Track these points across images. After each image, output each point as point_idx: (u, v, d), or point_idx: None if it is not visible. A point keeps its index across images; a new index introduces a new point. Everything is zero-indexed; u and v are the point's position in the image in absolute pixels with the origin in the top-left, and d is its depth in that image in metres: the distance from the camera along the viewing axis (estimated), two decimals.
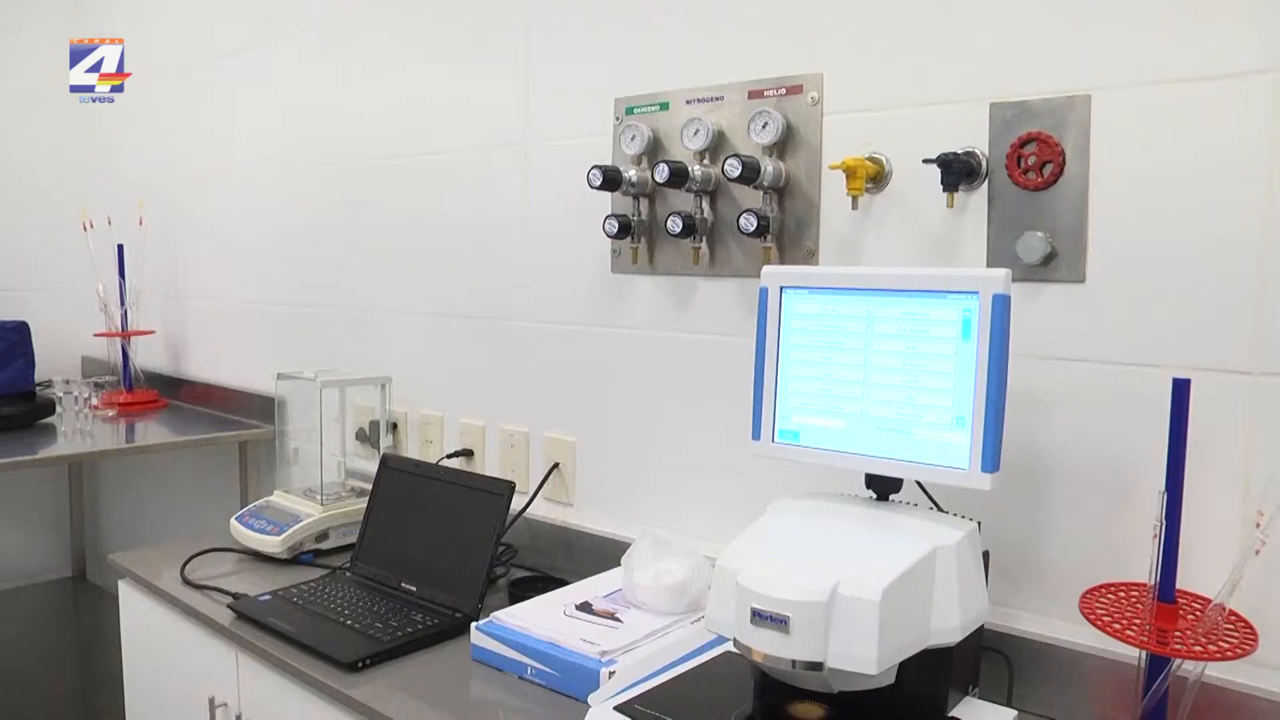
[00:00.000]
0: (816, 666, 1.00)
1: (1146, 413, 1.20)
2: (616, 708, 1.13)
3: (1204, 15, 1.16)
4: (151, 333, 3.06)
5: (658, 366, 1.72)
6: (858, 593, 0.99)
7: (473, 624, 1.48)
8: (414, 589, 1.72)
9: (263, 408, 2.63)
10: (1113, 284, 1.24)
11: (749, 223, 1.46)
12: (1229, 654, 1.04)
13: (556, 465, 1.89)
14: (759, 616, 1.01)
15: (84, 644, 3.07)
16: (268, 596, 1.71)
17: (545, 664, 1.37)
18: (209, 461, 2.83)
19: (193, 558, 1.93)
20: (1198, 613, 1.12)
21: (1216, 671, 1.15)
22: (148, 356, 3.13)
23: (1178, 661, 1.09)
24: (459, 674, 1.45)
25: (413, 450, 2.21)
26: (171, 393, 3.08)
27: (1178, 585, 1.12)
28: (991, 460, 1.06)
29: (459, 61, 2.05)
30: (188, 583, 1.83)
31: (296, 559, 1.96)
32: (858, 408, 1.15)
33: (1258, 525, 1.07)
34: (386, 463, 1.90)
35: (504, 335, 1.99)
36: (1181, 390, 1.08)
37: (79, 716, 2.80)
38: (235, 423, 2.75)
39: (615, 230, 1.66)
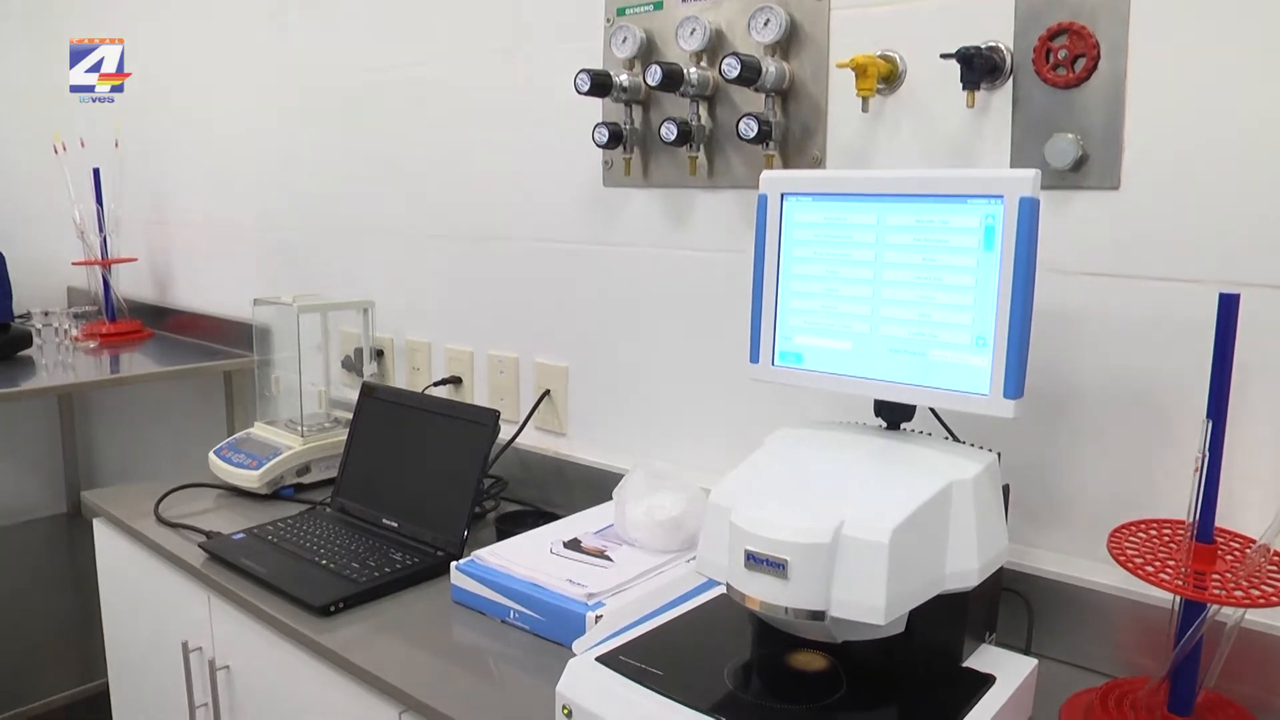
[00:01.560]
0: (818, 616, 0.90)
1: (1187, 333, 1.08)
2: (599, 658, 1.03)
3: None
4: (134, 260, 2.94)
5: (654, 286, 1.61)
6: (864, 534, 0.88)
7: (452, 564, 1.38)
8: (395, 525, 1.62)
9: (249, 336, 2.52)
10: (1151, 191, 1.11)
11: (749, 128, 1.33)
12: (1274, 599, 0.93)
13: (548, 392, 1.78)
14: (754, 560, 0.91)
15: (79, 581, 3.00)
16: (241, 535, 1.62)
17: (528, 607, 1.27)
18: (200, 393, 2.73)
19: (167, 494, 1.84)
20: (1238, 554, 1.01)
21: (1258, 617, 1.04)
22: (132, 286, 3.02)
23: (1215, 607, 0.98)
24: (438, 618, 1.36)
25: (400, 378, 2.11)
26: (157, 323, 2.98)
27: (1217, 523, 1.01)
28: (1015, 385, 0.95)
29: None
30: (161, 521, 1.74)
31: (277, 494, 1.87)
32: (866, 327, 1.04)
33: None
34: (367, 392, 1.80)
35: (493, 256, 1.87)
36: (1229, 306, 0.96)
37: (76, 655, 2.75)
38: (222, 352, 2.65)
39: (605, 140, 1.53)
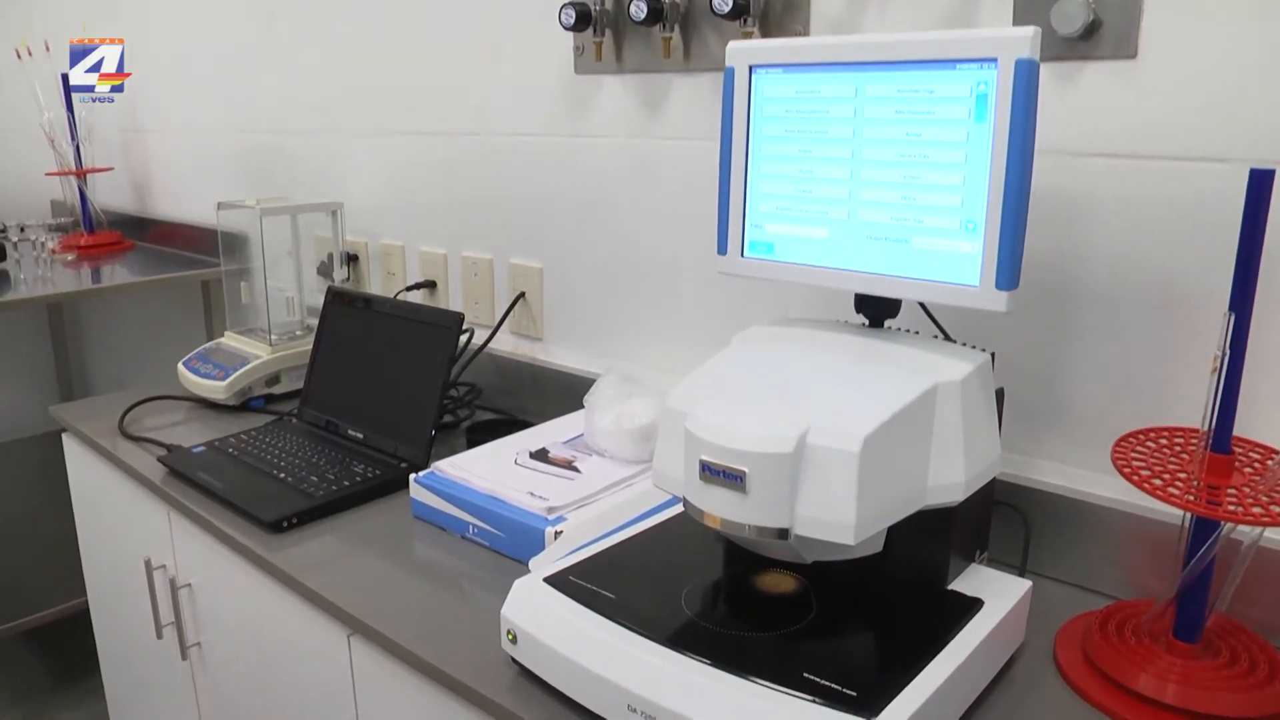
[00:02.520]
0: (781, 534, 0.80)
1: (1211, 220, 0.97)
2: (547, 579, 0.94)
3: None
4: (110, 170, 2.83)
5: (629, 178, 1.49)
6: (832, 442, 0.78)
7: (411, 477, 1.29)
8: (360, 436, 1.54)
9: (231, 244, 2.42)
10: (1172, 60, 0.98)
11: (724, 2, 1.20)
12: None
13: (522, 295, 1.68)
14: (710, 471, 0.81)
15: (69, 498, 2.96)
16: (201, 448, 1.54)
17: (487, 521, 1.19)
18: (182, 304, 2.64)
19: (133, 407, 1.76)
20: (1259, 466, 0.91)
21: (1277, 535, 0.94)
22: (112, 197, 2.92)
23: (1229, 525, 0.88)
24: (396, 533, 1.27)
25: (375, 284, 2.01)
26: (139, 234, 2.88)
27: (1236, 432, 0.90)
28: (1009, 275, 0.84)
29: None
30: (125, 435, 1.66)
31: (246, 405, 1.78)
32: (844, 213, 0.92)
33: None
34: (332, 297, 1.70)
35: (464, 153, 1.75)
36: (1261, 184, 0.84)
37: (64, 572, 2.71)
38: (202, 262, 2.55)
39: (572, 21, 1.40)
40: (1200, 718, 0.86)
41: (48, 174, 2.76)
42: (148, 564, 1.56)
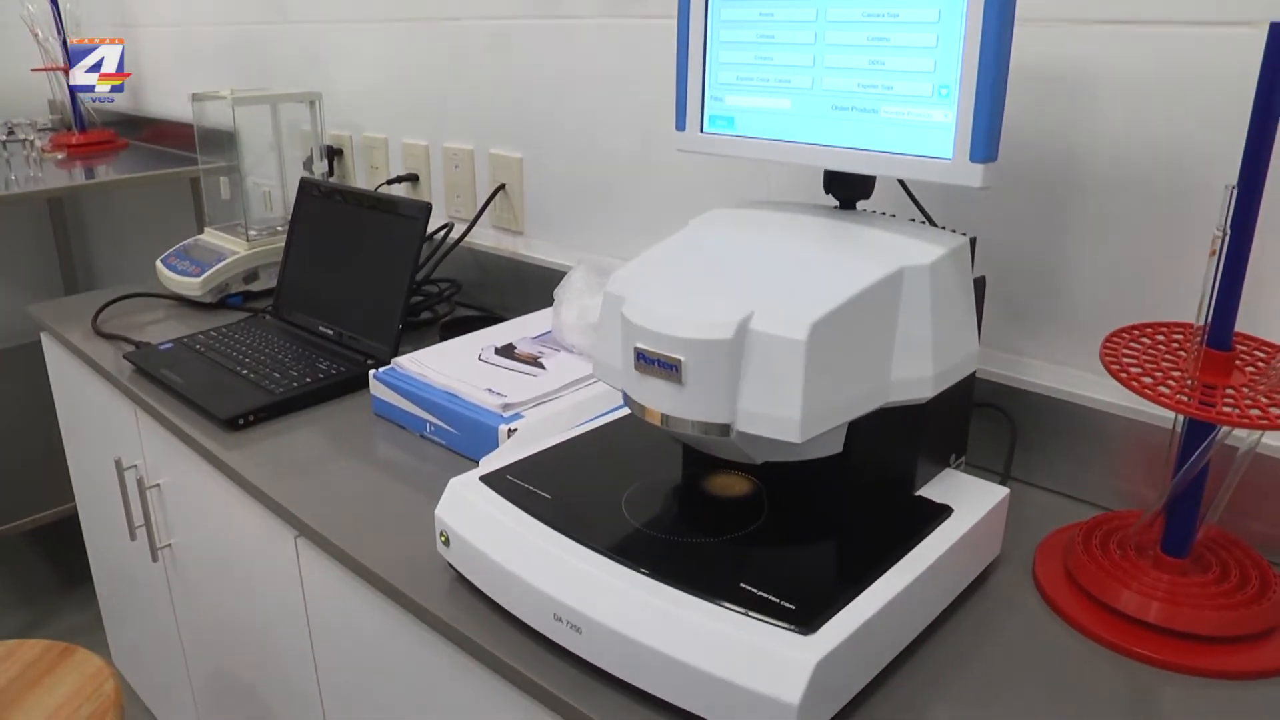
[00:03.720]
0: (723, 430, 0.73)
1: (1229, 97, 0.86)
2: (483, 477, 0.88)
3: None
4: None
5: (609, 62, 1.39)
6: (777, 329, 0.70)
7: (371, 373, 1.23)
8: (331, 333, 1.47)
9: (218, 141, 2.35)
10: None
11: None
12: None
13: (502, 187, 1.60)
14: (645, 360, 0.74)
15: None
16: (169, 345, 1.49)
17: (443, 419, 1.13)
18: (177, 202, 2.58)
19: (107, 305, 1.71)
20: (1260, 365, 0.82)
21: (1277, 440, 0.86)
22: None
23: (1224, 428, 0.80)
24: (355, 432, 1.22)
25: (360, 178, 1.93)
26: (133, 133, 2.81)
27: (1239, 328, 0.81)
28: (985, 146, 0.74)
29: None
30: (99, 333, 1.61)
31: (223, 302, 1.73)
32: (807, 81, 0.83)
33: None
34: (304, 189, 1.62)
35: (444, 38, 1.66)
36: None
37: (57, 476, 2.70)
38: (193, 160, 2.48)
39: None
40: (1184, 637, 0.79)
41: (33, 70, 2.68)
42: (118, 464, 1.52)
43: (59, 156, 2.63)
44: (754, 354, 0.71)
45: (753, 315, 0.71)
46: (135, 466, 1.51)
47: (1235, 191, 0.74)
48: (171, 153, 2.64)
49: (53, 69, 2.65)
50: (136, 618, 1.83)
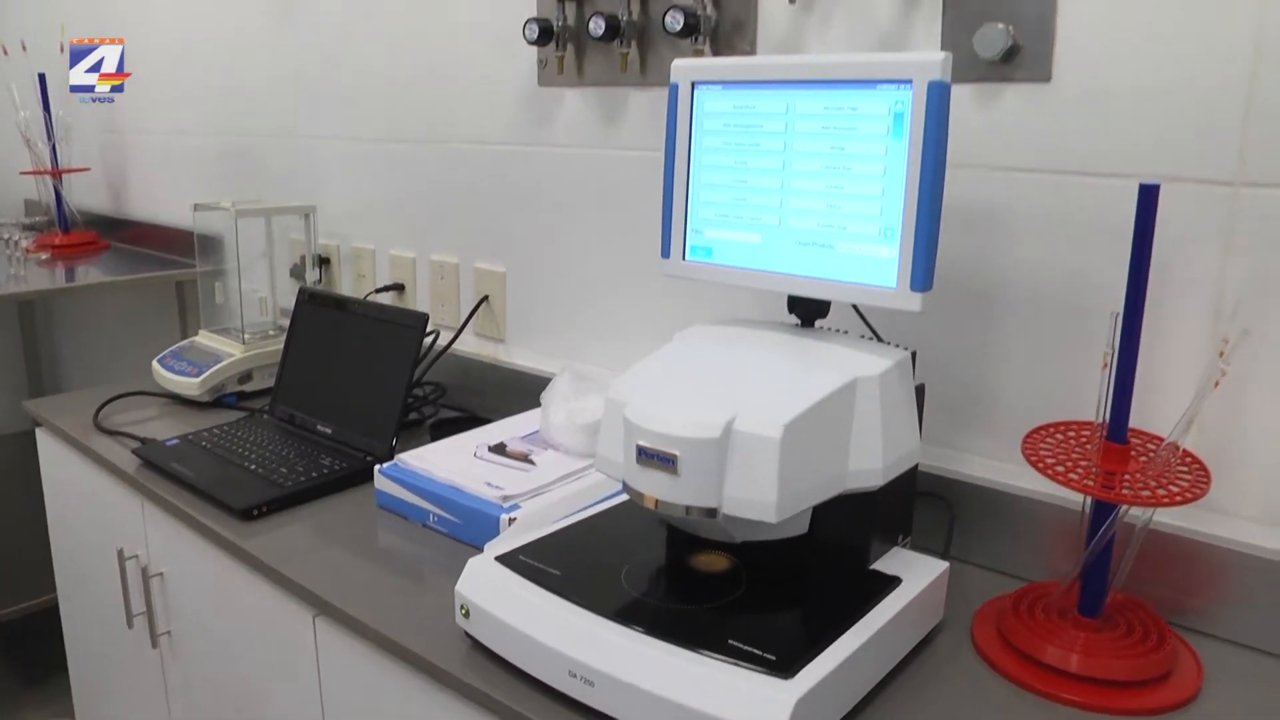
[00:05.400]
0: (711, 513, 0.87)
1: (1113, 231, 1.05)
2: (498, 558, 1.01)
3: None
4: (86, 170, 2.88)
5: (588, 187, 1.57)
6: (757, 428, 0.85)
7: (376, 467, 1.36)
8: (329, 431, 1.60)
9: (206, 246, 2.48)
10: (1082, 83, 1.07)
11: (675, 20, 1.28)
12: (1176, 499, 0.91)
13: (486, 298, 1.75)
14: (645, 455, 0.88)
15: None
16: (175, 441, 1.60)
17: (446, 509, 1.26)
18: (157, 304, 2.68)
19: (108, 403, 1.82)
20: (1150, 454, 0.99)
21: (1167, 517, 1.03)
22: (88, 197, 2.97)
23: (1124, 507, 0.96)
24: (361, 522, 1.34)
25: (346, 285, 2.07)
26: (114, 234, 2.93)
27: (1136, 424, 0.99)
28: (922, 277, 0.91)
29: None
30: (100, 429, 1.72)
31: (219, 402, 1.84)
32: (776, 219, 1.00)
33: (1221, 354, 0.93)
34: (304, 297, 1.76)
35: (433, 159, 1.82)
36: (1149, 196, 0.92)
37: (34, 568, 2.74)
38: (177, 263, 2.61)
39: (536, 35, 1.48)
40: (1099, 683, 0.94)
41: (22, 173, 2.81)
42: (120, 554, 1.61)
43: (42, 257, 2.74)
44: (737, 449, 0.86)
45: (736, 417, 0.86)
46: (137, 556, 1.61)
47: (1118, 318, 0.92)
48: (151, 254, 2.75)
49: (41, 173, 2.77)
50: (119, 708, 1.89)
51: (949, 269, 1.15)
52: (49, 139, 2.74)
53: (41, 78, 2.73)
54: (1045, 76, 1.09)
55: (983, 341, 1.18)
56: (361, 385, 1.59)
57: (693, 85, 1.04)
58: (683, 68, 1.05)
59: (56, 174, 2.78)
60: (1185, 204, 1.01)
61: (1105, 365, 0.95)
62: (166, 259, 2.67)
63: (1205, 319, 1.02)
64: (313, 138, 2.09)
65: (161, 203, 2.73)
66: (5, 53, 2.68)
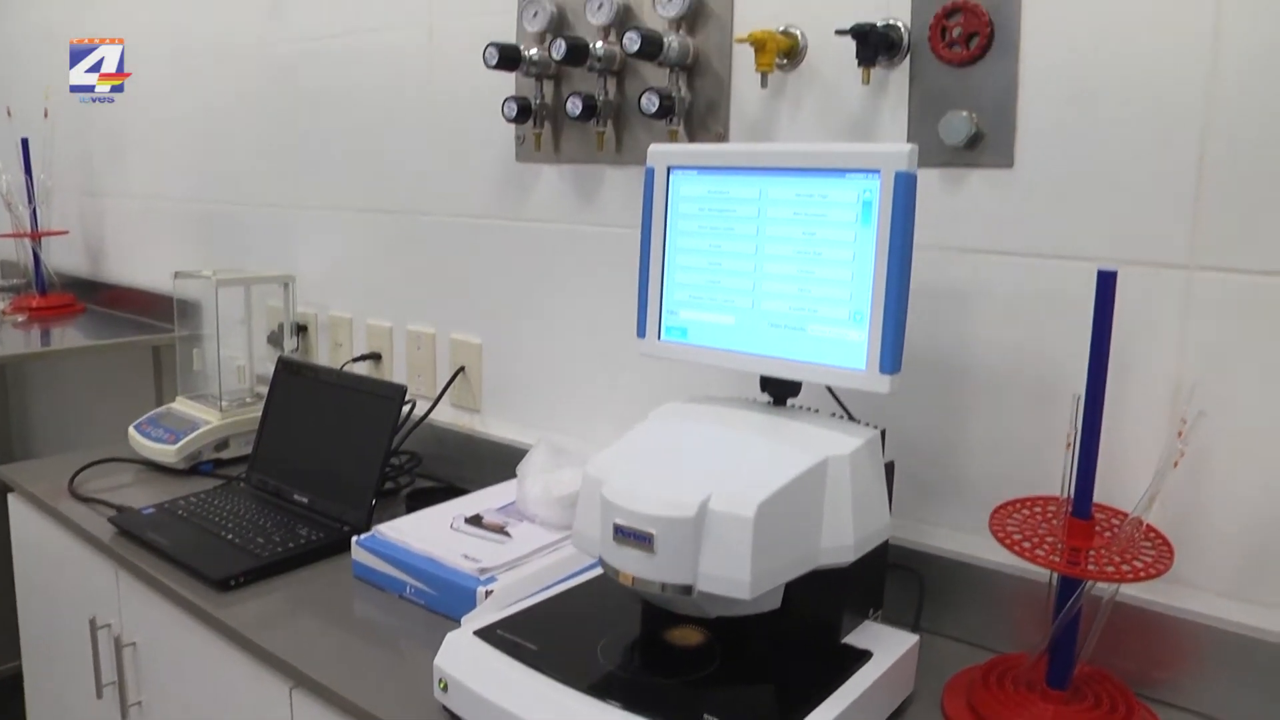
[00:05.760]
0: (686, 590, 0.89)
1: (1074, 311, 1.08)
2: (476, 632, 1.03)
3: None
4: (65, 233, 2.90)
5: (564, 262, 1.60)
6: (730, 508, 0.88)
7: (353, 539, 1.37)
8: (306, 501, 1.61)
9: (183, 311, 2.49)
10: (1042, 169, 1.12)
11: (650, 103, 1.33)
12: (1141, 574, 0.94)
13: (462, 369, 1.78)
14: (622, 533, 0.90)
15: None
16: (151, 509, 1.60)
17: (423, 581, 1.27)
18: (133, 368, 2.68)
19: (83, 469, 1.82)
20: (1115, 529, 1.02)
21: (1132, 591, 1.06)
22: (66, 259, 2.98)
23: (1089, 582, 0.99)
24: (338, 593, 1.35)
25: (323, 354, 2.09)
26: (90, 297, 2.93)
27: (1101, 499, 1.01)
28: (891, 360, 0.95)
29: None
30: (75, 496, 1.72)
31: (195, 469, 1.85)
32: (749, 302, 1.03)
33: (1179, 434, 0.96)
34: (282, 366, 1.78)
35: (411, 230, 1.85)
36: (1106, 283, 0.96)
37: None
38: (153, 327, 2.61)
39: (514, 114, 1.52)
40: None
41: (1, 235, 2.82)
42: (92, 623, 1.60)
43: (18, 319, 2.74)
44: (712, 528, 0.88)
45: (710, 497, 0.88)
46: (109, 625, 1.60)
47: (1079, 400, 0.95)
48: (127, 318, 2.76)
49: (20, 235, 2.78)
50: None
51: (918, 348, 1.18)
52: (29, 202, 2.76)
53: (24, 142, 2.75)
54: (1008, 162, 1.14)
55: (951, 418, 1.21)
56: (339, 455, 1.61)
57: (668, 169, 1.08)
58: (659, 152, 1.08)
59: (35, 236, 2.80)
60: (1143, 286, 1.05)
61: (1069, 445, 0.98)
62: (143, 323, 2.67)
63: (1165, 397, 1.05)
64: (293, 206, 2.12)
65: (139, 267, 2.75)
66: None
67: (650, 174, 1.08)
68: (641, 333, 1.11)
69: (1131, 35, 1.04)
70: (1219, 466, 1.03)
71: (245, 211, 2.27)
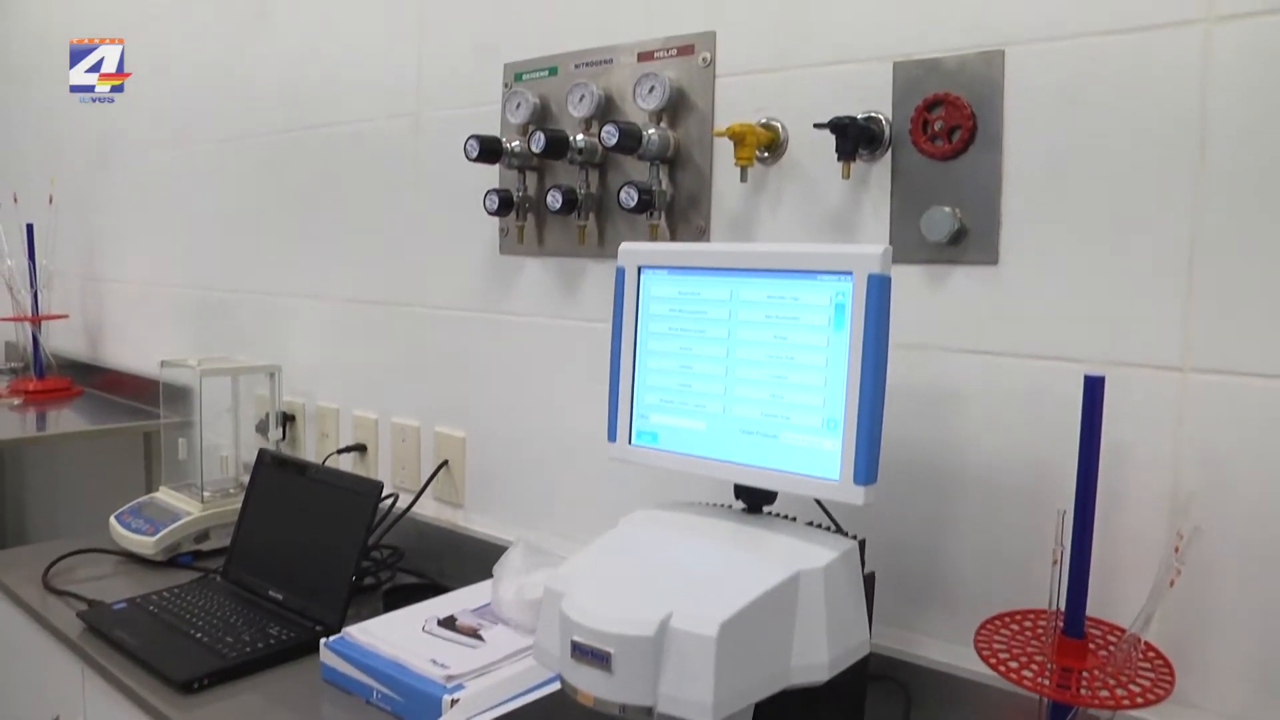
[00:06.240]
0: (646, 712, 0.84)
1: (1064, 412, 1.04)
2: None
3: None
4: (65, 317, 2.90)
5: (547, 357, 1.57)
6: (692, 626, 0.83)
7: (322, 641, 1.32)
8: (280, 598, 1.56)
9: (174, 397, 2.47)
10: (1028, 267, 1.09)
11: (629, 197, 1.31)
12: (1138, 700, 0.88)
13: (445, 463, 1.74)
14: (580, 651, 0.86)
15: None
16: (123, 604, 1.56)
17: (390, 687, 1.22)
18: (125, 453, 2.66)
19: (61, 559, 1.78)
20: (1110, 646, 0.96)
21: (1133, 710, 0.99)
22: (66, 341, 2.97)
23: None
24: (305, 696, 1.29)
25: (310, 444, 2.06)
26: (88, 380, 2.92)
27: (1094, 611, 0.96)
28: (866, 471, 0.90)
29: (353, 26, 1.89)
30: (48, 587, 1.67)
31: (174, 561, 1.80)
32: (720, 407, 1.00)
33: (1176, 550, 0.91)
34: (263, 459, 1.74)
35: (397, 321, 1.83)
36: (1094, 389, 0.93)
37: None
38: (147, 412, 2.59)
39: (496, 206, 1.50)
40: None
41: (2, 319, 2.83)
42: None
43: (14, 402, 2.72)
44: (673, 647, 0.83)
45: (672, 614, 0.84)
46: None
47: (1068, 514, 0.91)
48: (123, 403, 2.74)
49: (20, 319, 2.79)
50: None
51: (903, 449, 1.14)
52: (31, 286, 2.76)
53: (30, 227, 2.76)
54: (992, 259, 1.11)
55: (938, 523, 1.16)
56: (315, 551, 1.56)
57: (639, 269, 1.05)
58: (629, 251, 1.06)
59: (35, 320, 2.79)
60: (1134, 389, 1.01)
61: (1055, 561, 0.93)
62: (138, 408, 2.65)
63: (1161, 506, 1.01)
64: (284, 294, 2.11)
65: (136, 351, 2.74)
66: None
67: (621, 274, 1.06)
68: (612, 437, 1.08)
69: (1118, 130, 1.02)
70: (1223, 581, 0.98)
71: (238, 298, 2.27)
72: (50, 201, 2.78)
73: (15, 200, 2.78)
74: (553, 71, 1.48)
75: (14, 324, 2.86)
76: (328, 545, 1.55)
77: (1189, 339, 0.99)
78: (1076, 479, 0.92)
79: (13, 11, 3.23)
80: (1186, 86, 0.98)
